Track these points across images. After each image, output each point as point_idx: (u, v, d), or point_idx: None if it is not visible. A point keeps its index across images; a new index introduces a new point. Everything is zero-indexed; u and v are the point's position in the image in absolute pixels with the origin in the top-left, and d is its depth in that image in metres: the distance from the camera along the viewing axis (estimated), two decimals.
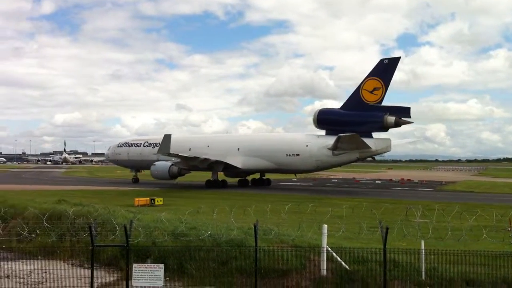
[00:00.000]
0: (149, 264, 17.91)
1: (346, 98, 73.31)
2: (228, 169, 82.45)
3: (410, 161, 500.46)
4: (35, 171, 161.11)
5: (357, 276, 18.75)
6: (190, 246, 20.56)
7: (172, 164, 78.97)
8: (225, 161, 79.65)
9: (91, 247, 17.86)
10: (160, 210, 32.31)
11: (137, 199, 46.79)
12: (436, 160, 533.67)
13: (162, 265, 17.23)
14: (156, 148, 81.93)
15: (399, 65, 71.94)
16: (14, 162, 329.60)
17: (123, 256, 20.35)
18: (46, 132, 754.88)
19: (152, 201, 47.09)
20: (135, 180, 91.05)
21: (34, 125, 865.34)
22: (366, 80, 70.88)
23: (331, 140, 69.76)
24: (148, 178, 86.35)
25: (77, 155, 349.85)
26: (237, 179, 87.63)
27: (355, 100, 71.22)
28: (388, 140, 71.57)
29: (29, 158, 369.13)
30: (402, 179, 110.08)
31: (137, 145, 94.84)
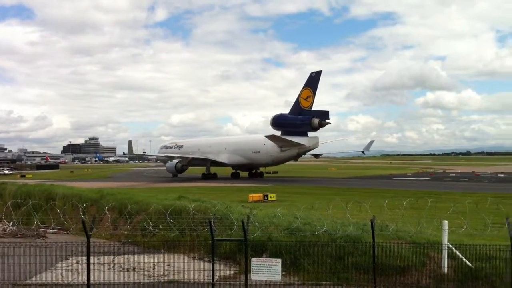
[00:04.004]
0: (267, 259, 18.14)
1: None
2: (219, 164, 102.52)
3: None
4: (155, 169, 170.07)
5: (481, 274, 17.78)
6: (304, 241, 20.56)
7: (177, 162, 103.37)
8: (216, 159, 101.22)
9: (211, 241, 18.44)
10: (274, 206, 32.64)
11: (251, 195, 47.78)
12: None
13: (279, 260, 17.39)
14: (180, 149, 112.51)
15: None
16: (136, 161, 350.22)
17: (240, 250, 20.81)
18: (163, 132, 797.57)
19: (266, 197, 47.85)
20: (175, 175, 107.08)
21: (153, 126, 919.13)
22: (303, 90, 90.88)
23: None
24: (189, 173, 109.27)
25: None
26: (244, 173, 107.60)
27: (296, 106, 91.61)
28: (317, 138, 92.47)
29: (149, 157, 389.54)
30: None
31: (170, 147, 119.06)
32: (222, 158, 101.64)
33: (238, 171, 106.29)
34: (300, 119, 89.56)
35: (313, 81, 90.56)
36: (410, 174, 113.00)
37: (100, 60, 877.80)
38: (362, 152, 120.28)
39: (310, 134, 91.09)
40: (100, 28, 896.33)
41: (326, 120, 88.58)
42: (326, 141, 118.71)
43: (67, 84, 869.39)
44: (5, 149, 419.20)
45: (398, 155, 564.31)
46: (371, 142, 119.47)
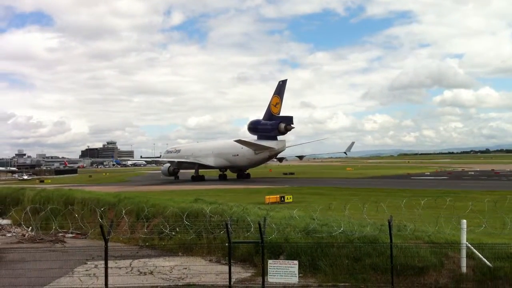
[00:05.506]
0: (284, 261, 18.11)
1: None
2: (207, 167, 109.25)
3: None
4: None
5: (500, 273, 17.58)
6: (321, 242, 20.44)
7: (170, 166, 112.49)
8: (205, 162, 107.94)
9: (227, 244, 18.43)
10: (290, 207, 32.50)
11: (267, 196, 47.58)
12: None
13: (296, 262, 17.35)
14: (178, 154, 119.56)
15: None
16: (153, 165, 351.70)
17: (257, 252, 20.75)
18: (180, 135, 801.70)
19: (282, 199, 47.60)
20: (176, 178, 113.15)
21: (170, 129, 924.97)
22: (273, 97, 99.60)
23: None
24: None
25: None
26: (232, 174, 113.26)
27: (268, 112, 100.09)
28: (284, 141, 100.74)
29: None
30: None
31: (171, 151, 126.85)
32: (209, 161, 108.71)
33: (225, 173, 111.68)
34: (270, 124, 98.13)
35: (281, 89, 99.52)
36: (428, 173, 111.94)
37: (118, 65, 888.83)
38: (345, 153, 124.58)
39: (280, 137, 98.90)
40: (118, 33, 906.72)
41: (291, 125, 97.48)
42: (297, 143, 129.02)
43: (86, 89, 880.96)
44: (24, 154, 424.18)
45: (416, 154, 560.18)
46: (352, 143, 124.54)
